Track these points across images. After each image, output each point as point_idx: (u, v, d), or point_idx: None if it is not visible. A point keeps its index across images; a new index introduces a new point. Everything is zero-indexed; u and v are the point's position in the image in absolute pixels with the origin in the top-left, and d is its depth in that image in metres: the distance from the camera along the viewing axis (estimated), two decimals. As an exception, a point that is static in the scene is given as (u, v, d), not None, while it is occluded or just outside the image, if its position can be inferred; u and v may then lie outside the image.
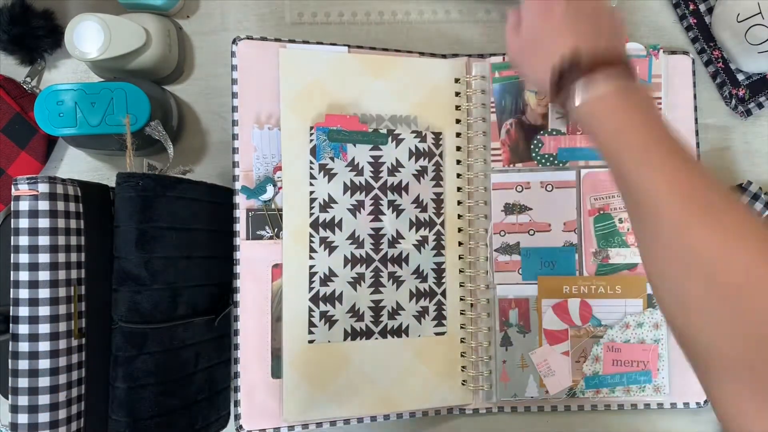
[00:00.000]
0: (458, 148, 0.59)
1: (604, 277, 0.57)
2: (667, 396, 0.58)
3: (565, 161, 0.57)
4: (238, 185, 0.55)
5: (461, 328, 0.58)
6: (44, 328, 0.45)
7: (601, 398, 0.57)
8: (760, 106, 0.64)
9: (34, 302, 0.45)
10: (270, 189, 0.55)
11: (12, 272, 0.45)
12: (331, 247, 0.56)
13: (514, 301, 0.58)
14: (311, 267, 0.56)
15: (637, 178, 0.37)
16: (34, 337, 0.45)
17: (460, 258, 0.59)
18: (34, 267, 0.45)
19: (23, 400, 0.44)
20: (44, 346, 0.45)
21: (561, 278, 0.57)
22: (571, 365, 0.57)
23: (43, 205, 0.45)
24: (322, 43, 0.58)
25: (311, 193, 0.56)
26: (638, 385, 0.57)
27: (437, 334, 0.58)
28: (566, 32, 0.43)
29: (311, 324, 0.55)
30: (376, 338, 0.57)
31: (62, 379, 0.45)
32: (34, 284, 0.45)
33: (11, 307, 0.45)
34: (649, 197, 0.36)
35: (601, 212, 0.57)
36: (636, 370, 0.57)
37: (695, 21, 0.64)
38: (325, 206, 0.56)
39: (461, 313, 0.59)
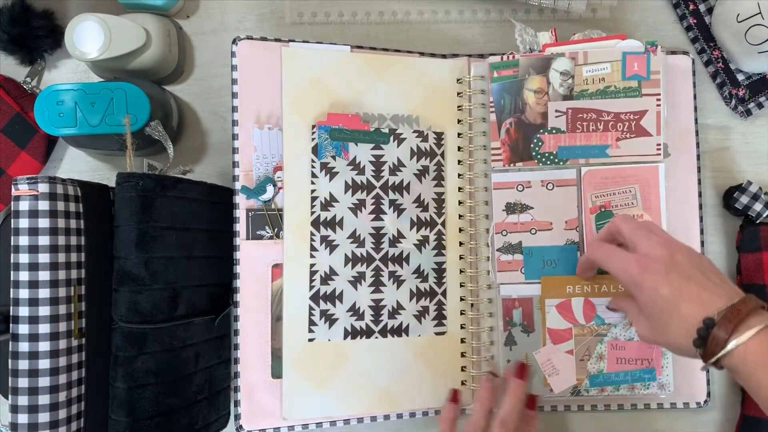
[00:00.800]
0: (459, 148, 0.59)
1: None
2: (671, 394, 0.58)
3: (566, 159, 0.57)
4: (238, 185, 0.55)
5: (461, 328, 0.58)
6: (44, 328, 0.45)
7: (605, 396, 0.57)
8: (760, 106, 0.64)
9: (34, 302, 0.45)
10: (270, 189, 0.55)
11: (12, 272, 0.45)
12: (332, 246, 0.56)
13: (517, 301, 0.57)
14: (312, 265, 0.56)
15: None
16: (34, 337, 0.44)
17: (461, 258, 0.59)
18: (34, 267, 0.45)
19: (23, 400, 0.44)
20: (44, 346, 0.45)
21: (564, 278, 0.57)
22: (575, 364, 0.57)
23: (43, 205, 0.45)
24: (321, 44, 0.58)
25: (312, 191, 0.56)
26: (642, 383, 0.57)
27: (437, 333, 0.58)
28: (698, 293, 0.44)
29: (311, 322, 0.55)
30: (376, 337, 0.57)
31: (62, 379, 0.45)
32: (34, 284, 0.45)
33: (11, 307, 0.45)
34: None
35: (603, 210, 0.57)
36: (640, 368, 0.57)
37: (695, 21, 0.64)
38: (326, 205, 0.56)
39: (461, 313, 0.58)
